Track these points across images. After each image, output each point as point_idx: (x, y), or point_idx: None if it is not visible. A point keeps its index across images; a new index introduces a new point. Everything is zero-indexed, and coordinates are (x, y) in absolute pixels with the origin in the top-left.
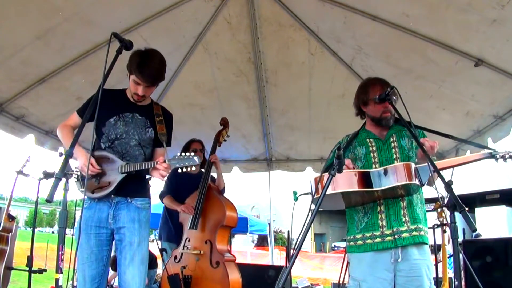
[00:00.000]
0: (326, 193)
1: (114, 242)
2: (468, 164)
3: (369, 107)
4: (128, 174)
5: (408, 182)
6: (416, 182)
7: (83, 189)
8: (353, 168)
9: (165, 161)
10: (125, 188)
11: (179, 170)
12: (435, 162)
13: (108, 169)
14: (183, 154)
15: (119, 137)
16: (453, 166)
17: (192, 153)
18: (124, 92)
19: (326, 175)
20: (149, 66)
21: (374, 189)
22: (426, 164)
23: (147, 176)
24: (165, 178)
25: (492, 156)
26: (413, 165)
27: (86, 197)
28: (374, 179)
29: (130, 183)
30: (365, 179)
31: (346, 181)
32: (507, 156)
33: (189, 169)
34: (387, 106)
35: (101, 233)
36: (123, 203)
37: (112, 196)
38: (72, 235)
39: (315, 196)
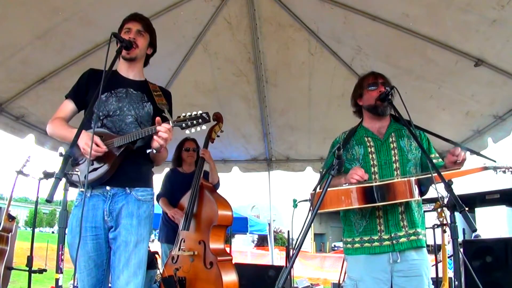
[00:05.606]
0: (329, 210)
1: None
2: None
3: (364, 97)
4: (126, 153)
5: (409, 199)
6: (417, 197)
7: (82, 190)
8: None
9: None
10: (123, 176)
11: (187, 131)
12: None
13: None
14: (188, 113)
15: (112, 114)
16: (453, 177)
17: (200, 111)
18: (115, 71)
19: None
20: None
21: (376, 204)
22: (428, 175)
23: (149, 150)
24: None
25: (493, 169)
26: (413, 180)
27: (78, 190)
28: (376, 194)
29: (128, 169)
30: (367, 194)
31: (348, 197)
32: (507, 171)
33: (198, 128)
34: (381, 90)
35: (98, 235)
36: (120, 195)
37: (107, 188)
38: None
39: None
